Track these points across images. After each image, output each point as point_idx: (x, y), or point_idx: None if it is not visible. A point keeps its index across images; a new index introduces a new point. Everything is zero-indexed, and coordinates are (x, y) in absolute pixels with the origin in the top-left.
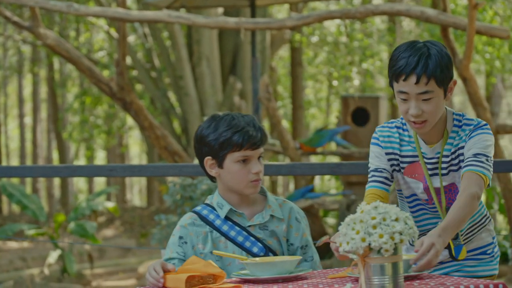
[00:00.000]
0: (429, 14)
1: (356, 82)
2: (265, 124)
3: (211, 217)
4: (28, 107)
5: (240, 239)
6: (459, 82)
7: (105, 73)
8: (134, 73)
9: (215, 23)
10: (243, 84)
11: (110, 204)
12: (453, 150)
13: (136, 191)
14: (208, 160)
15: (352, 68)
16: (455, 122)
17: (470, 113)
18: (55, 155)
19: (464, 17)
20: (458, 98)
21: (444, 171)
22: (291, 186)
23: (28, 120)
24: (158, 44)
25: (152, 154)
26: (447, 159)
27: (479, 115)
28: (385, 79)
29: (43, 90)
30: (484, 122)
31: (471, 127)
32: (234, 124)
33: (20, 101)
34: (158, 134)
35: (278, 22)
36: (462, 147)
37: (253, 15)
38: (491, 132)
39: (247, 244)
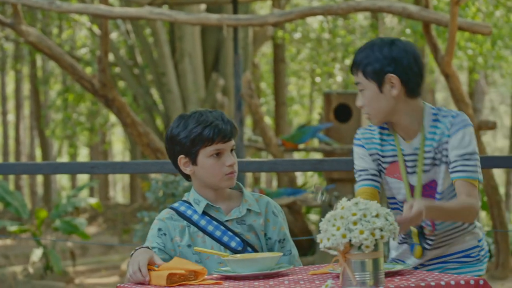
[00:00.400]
0: (411, 11)
1: (339, 78)
2: (248, 121)
3: (189, 212)
4: (11, 104)
5: (218, 233)
6: (442, 78)
7: (88, 70)
8: (117, 70)
9: (197, 20)
10: (225, 80)
11: (93, 200)
12: (435, 145)
13: (119, 188)
14: (181, 159)
15: (335, 65)
16: (433, 117)
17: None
18: (38, 153)
19: (447, 13)
20: (441, 94)
21: (427, 167)
22: (274, 183)
23: (11, 117)
24: (140, 41)
25: (135, 151)
26: (431, 155)
27: (461, 111)
28: None
29: (26, 87)
30: (462, 114)
31: (450, 118)
32: (203, 120)
33: (3, 98)
34: (140, 131)
35: (260, 19)
36: (446, 142)
37: (235, 11)
38: (471, 123)
39: (225, 238)
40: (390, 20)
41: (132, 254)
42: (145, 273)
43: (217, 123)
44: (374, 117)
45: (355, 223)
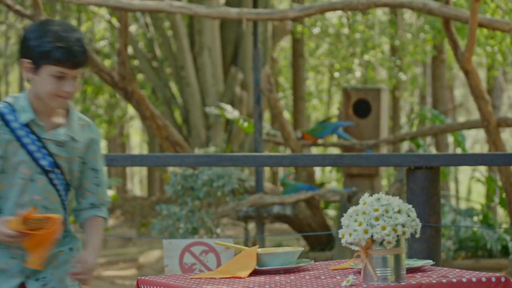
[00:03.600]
0: (432, 6)
1: (358, 73)
2: (266, 115)
3: (10, 117)
4: None
5: (32, 147)
6: (461, 74)
7: (107, 63)
8: (136, 63)
9: (217, 14)
10: (244, 74)
11: (110, 192)
12: None
13: (136, 181)
14: (24, 62)
15: (354, 60)
16: None
17: (472, 106)
18: None
19: (466, 9)
20: (459, 91)
21: None
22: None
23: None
24: (159, 34)
25: (153, 144)
26: None
27: (480, 108)
28: (386, 71)
29: None
30: None
31: None
32: (59, 38)
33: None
34: (159, 124)
35: (280, 13)
36: None
37: (255, 5)
38: None
39: (38, 155)
40: (409, 16)
41: None
42: (9, 233)
43: (72, 48)
44: None
45: (377, 219)
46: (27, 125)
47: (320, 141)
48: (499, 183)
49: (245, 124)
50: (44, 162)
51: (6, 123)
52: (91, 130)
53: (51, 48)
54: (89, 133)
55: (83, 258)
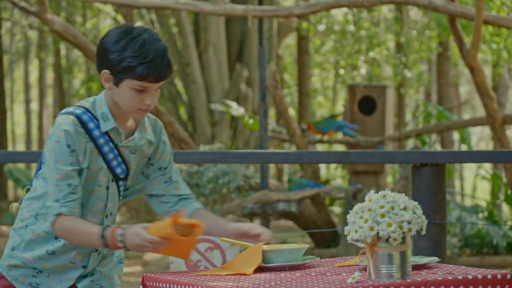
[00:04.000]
0: (437, 4)
1: (363, 71)
2: (272, 112)
3: (91, 125)
4: (34, 93)
5: (110, 156)
6: (466, 72)
7: None
8: None
9: (222, 10)
10: (250, 71)
11: None
12: None
13: None
14: (105, 73)
15: (359, 57)
16: None
17: (477, 103)
18: None
19: (472, 6)
20: (465, 88)
21: None
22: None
23: (34, 106)
24: (165, 31)
25: None
26: None
27: (486, 105)
28: (391, 68)
29: (50, 76)
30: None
31: None
32: (142, 53)
33: (27, 86)
34: (164, 121)
35: (286, 10)
36: None
37: (260, 2)
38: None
39: (114, 163)
40: (414, 13)
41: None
42: (151, 238)
43: (155, 62)
44: None
45: (383, 216)
46: (106, 132)
47: (325, 137)
48: (504, 180)
49: (251, 121)
50: (119, 170)
51: (89, 131)
52: (160, 128)
53: (134, 64)
54: (158, 132)
55: (247, 228)
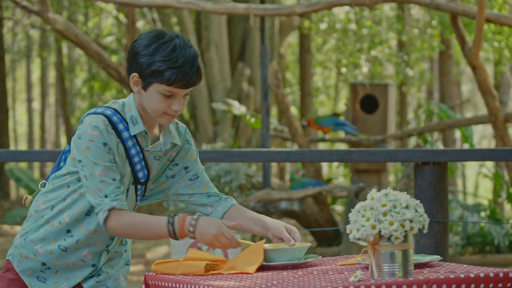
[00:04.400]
0: (439, 2)
1: (365, 69)
2: (273, 111)
3: (121, 127)
4: (36, 92)
5: (136, 159)
6: (468, 70)
7: (114, 58)
8: None
9: (224, 9)
10: (251, 70)
11: None
12: None
13: None
14: (134, 77)
15: (361, 56)
16: None
17: (479, 102)
18: (63, 140)
19: (474, 5)
20: (466, 86)
21: None
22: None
23: (36, 105)
24: (166, 29)
25: None
26: None
27: (488, 103)
28: (393, 66)
29: (52, 75)
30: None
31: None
32: (172, 58)
33: (29, 85)
34: None
35: (287, 9)
36: None
37: (262, 1)
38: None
39: (138, 166)
40: (416, 12)
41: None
42: (232, 237)
43: (185, 68)
44: None
45: (385, 214)
46: (134, 136)
47: (327, 136)
48: (506, 178)
49: (253, 120)
50: (141, 174)
51: (119, 133)
52: (183, 129)
53: (163, 69)
54: (183, 133)
55: (278, 227)
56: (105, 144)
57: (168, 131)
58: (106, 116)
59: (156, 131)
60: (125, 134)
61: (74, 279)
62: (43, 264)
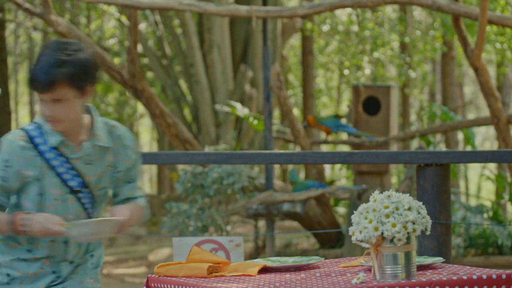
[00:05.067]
0: (441, 4)
1: (367, 71)
2: (276, 113)
3: (39, 140)
4: None
5: (61, 170)
6: (470, 71)
7: (116, 61)
8: (145, 60)
9: (226, 11)
10: (254, 72)
11: None
12: None
13: (146, 179)
14: None
15: (363, 57)
16: None
17: (482, 103)
18: None
19: (476, 6)
20: (469, 88)
21: None
22: (302, 175)
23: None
24: (169, 31)
25: (163, 142)
26: None
27: (490, 105)
28: (396, 68)
29: None
30: None
31: None
32: (36, 63)
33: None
34: (169, 122)
35: (290, 11)
36: None
37: (264, 3)
38: None
39: (66, 176)
40: (419, 13)
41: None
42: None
43: (36, 74)
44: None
45: (387, 216)
46: (56, 147)
47: (329, 137)
48: (509, 180)
49: (255, 122)
50: (72, 183)
51: (35, 146)
52: (120, 132)
53: (29, 76)
54: (117, 137)
55: (117, 209)
56: (6, 160)
57: (95, 135)
58: (25, 130)
59: (83, 137)
60: (43, 147)
61: None
62: (8, 275)
